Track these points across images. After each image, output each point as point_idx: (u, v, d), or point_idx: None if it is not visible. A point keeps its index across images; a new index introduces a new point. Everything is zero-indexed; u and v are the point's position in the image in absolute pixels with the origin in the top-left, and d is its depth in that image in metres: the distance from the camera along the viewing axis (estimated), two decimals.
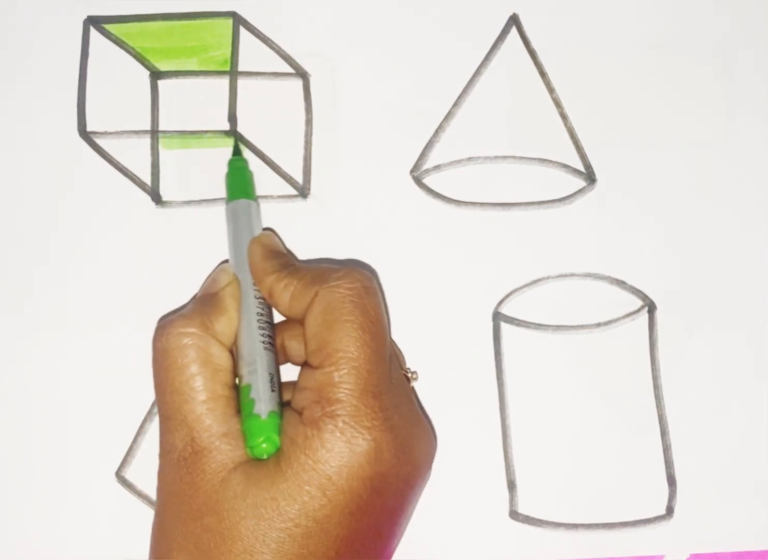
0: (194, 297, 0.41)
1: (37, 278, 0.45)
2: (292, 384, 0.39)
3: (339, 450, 0.35)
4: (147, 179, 0.46)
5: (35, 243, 0.45)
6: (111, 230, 0.45)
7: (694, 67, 0.47)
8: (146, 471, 0.41)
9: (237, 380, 0.38)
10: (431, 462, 0.39)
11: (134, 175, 0.46)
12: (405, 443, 0.36)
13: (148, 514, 0.40)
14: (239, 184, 0.44)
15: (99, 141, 0.46)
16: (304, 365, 0.38)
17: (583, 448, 0.44)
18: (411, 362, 0.43)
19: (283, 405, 0.38)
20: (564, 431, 0.44)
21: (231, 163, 0.44)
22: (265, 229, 0.44)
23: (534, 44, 0.47)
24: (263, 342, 0.39)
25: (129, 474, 0.43)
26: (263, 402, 0.37)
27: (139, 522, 0.39)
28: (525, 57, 0.47)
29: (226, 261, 0.42)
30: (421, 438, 0.38)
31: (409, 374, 0.42)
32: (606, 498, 0.43)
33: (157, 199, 0.46)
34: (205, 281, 0.41)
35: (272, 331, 0.40)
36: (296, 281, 0.38)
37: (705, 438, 0.44)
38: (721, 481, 0.43)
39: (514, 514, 0.43)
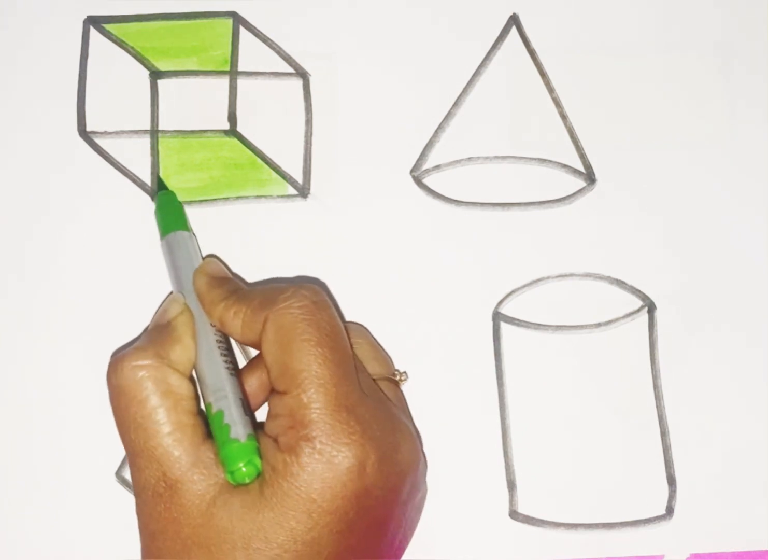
0: (146, 329, 0.40)
1: (37, 278, 0.45)
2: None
3: (320, 472, 0.34)
4: (147, 179, 0.46)
5: (35, 243, 0.45)
6: (111, 230, 0.45)
7: (694, 66, 0.47)
8: None
9: (204, 408, 0.38)
10: (416, 465, 0.38)
11: (134, 175, 0.46)
12: (387, 452, 0.36)
13: None
14: (171, 217, 0.43)
15: (99, 141, 0.46)
16: (272, 392, 0.37)
17: (582, 448, 0.44)
18: (410, 364, 0.43)
19: (255, 432, 0.37)
20: (564, 431, 0.44)
21: (160, 197, 0.44)
22: (209, 255, 0.43)
23: (534, 44, 0.47)
24: (227, 368, 0.38)
25: (129, 474, 0.43)
26: (240, 426, 0.36)
27: None
28: (525, 57, 0.47)
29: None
30: (403, 443, 0.37)
31: (397, 377, 0.41)
32: (606, 498, 0.43)
33: None
34: (156, 312, 0.40)
35: (233, 358, 0.39)
36: (245, 308, 0.38)
37: (705, 438, 0.44)
38: (721, 481, 0.43)
39: (514, 514, 0.43)
